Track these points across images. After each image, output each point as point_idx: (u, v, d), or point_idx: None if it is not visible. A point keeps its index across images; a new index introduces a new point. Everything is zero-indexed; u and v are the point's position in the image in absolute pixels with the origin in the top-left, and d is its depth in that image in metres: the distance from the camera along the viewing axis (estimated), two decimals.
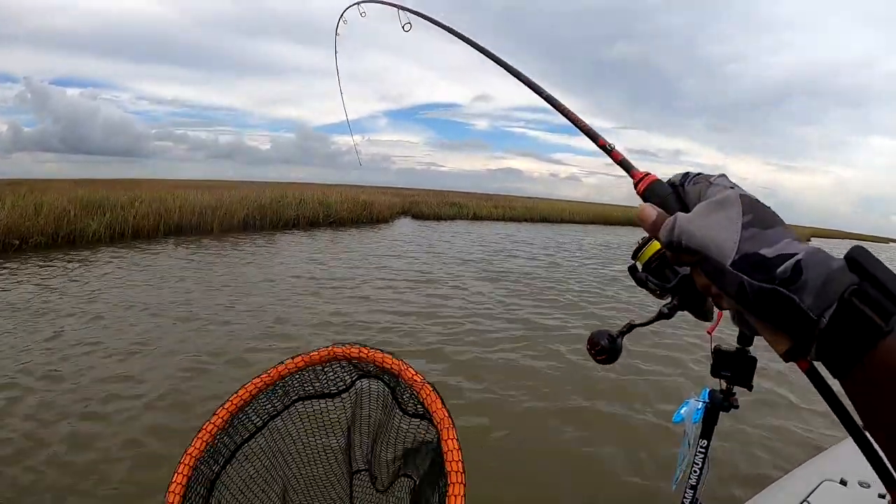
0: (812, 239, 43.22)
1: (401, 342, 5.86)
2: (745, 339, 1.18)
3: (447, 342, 5.93)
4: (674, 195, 0.50)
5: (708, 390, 1.25)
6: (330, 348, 0.87)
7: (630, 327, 0.59)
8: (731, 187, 0.44)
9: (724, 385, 1.23)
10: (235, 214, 16.13)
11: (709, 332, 1.17)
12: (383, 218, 22.38)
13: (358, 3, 1.42)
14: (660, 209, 0.48)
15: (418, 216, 26.39)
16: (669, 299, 0.55)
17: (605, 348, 0.57)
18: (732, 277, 0.38)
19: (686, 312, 0.55)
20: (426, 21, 1.09)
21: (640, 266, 0.57)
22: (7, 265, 9.39)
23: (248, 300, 7.58)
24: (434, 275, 10.38)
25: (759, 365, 1.18)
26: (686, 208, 0.47)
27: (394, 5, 1.23)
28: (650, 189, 0.52)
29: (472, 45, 0.94)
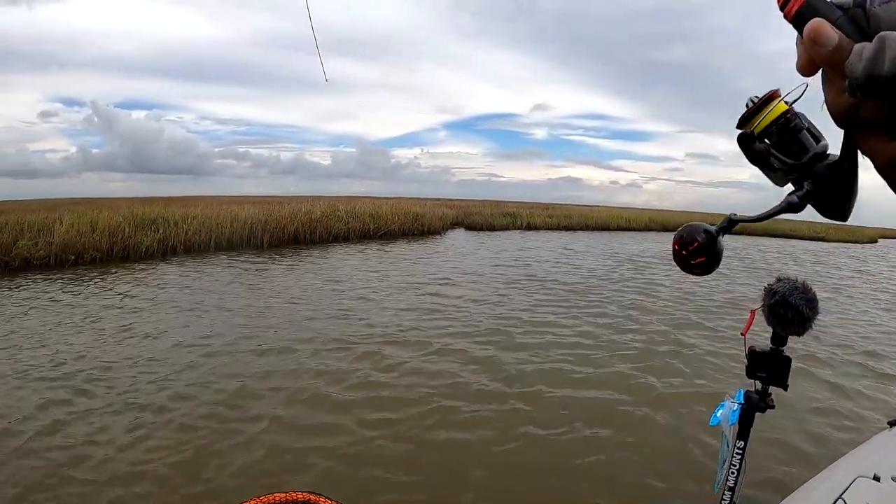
0: (879, 240, 39.18)
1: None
2: (779, 340, 1.17)
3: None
4: (846, 19, 0.33)
5: (743, 391, 1.22)
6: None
7: (731, 222, 0.47)
8: None
9: (759, 386, 1.22)
10: (285, 229, 15.88)
11: (742, 334, 1.20)
12: (435, 230, 21.64)
13: None
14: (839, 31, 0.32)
15: (471, 227, 25.59)
16: (797, 185, 0.43)
17: (702, 246, 0.47)
18: None
19: None
20: None
21: (755, 133, 0.45)
22: (61, 277, 10.05)
23: (290, 307, 7.53)
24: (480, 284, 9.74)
25: (793, 364, 1.18)
26: (869, 38, 0.31)
27: None
28: (808, 6, 0.34)
29: None
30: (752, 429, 1.21)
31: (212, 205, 18.86)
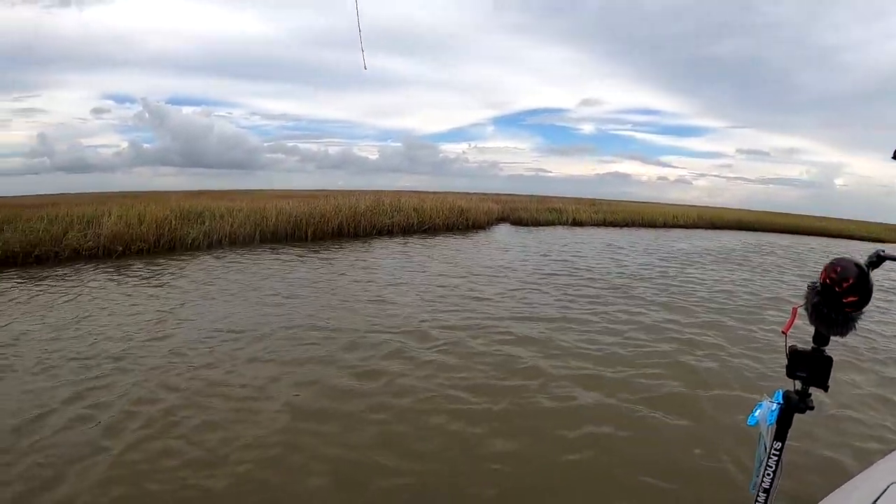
0: None
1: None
2: (821, 339, 1.12)
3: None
4: None
5: (782, 392, 1.19)
6: None
7: (880, 258, 0.48)
8: None
9: (798, 386, 1.18)
10: (329, 222, 15.49)
11: (784, 332, 1.17)
12: (480, 224, 20.91)
13: None
14: None
15: (517, 222, 24.86)
16: None
17: (855, 285, 0.46)
18: None
19: None
20: None
21: None
22: (109, 266, 10.32)
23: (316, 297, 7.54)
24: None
25: (834, 365, 1.14)
26: None
27: None
28: None
29: None
30: (789, 430, 1.16)
31: (259, 198, 18.94)
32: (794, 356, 1.16)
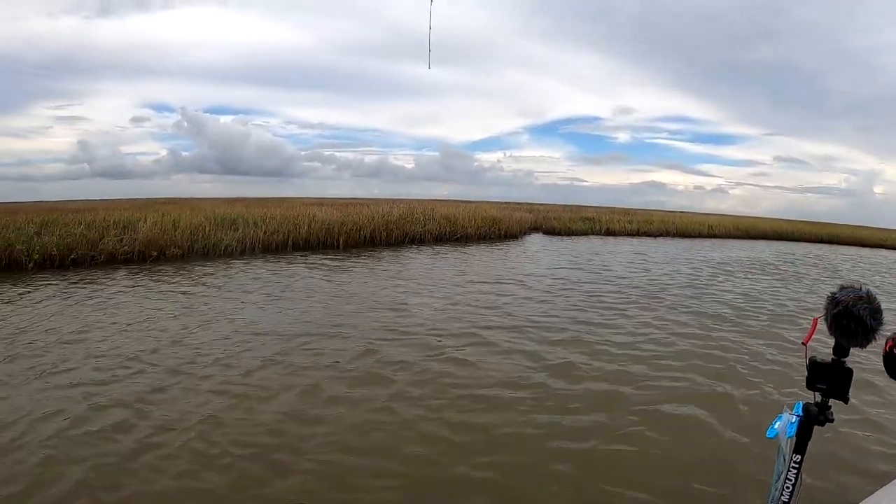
0: None
1: None
2: (841, 350, 1.11)
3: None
4: None
5: (802, 404, 1.16)
6: None
7: None
8: None
9: (818, 398, 1.16)
10: (361, 230, 15.22)
11: (804, 343, 1.16)
12: (512, 234, 20.39)
13: None
14: None
15: (549, 232, 24.30)
16: None
17: None
18: None
19: None
20: None
21: None
22: (143, 270, 10.34)
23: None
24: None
25: (854, 377, 1.12)
26: None
27: None
28: None
29: None
30: (809, 442, 1.13)
31: (293, 206, 18.95)
32: (814, 368, 1.13)
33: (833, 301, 1.07)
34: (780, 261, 17.31)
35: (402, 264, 12.24)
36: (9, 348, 5.32)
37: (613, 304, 8.31)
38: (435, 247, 16.00)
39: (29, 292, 8.24)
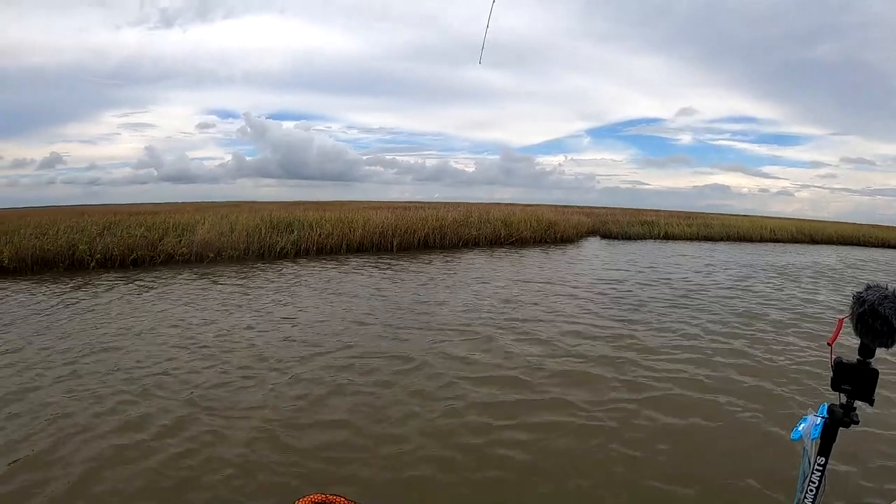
0: None
1: None
2: (867, 351, 1.08)
3: None
4: None
5: (827, 405, 1.13)
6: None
7: None
8: None
9: (843, 399, 1.11)
10: (416, 233, 14.69)
11: (829, 344, 1.12)
12: (569, 237, 19.42)
13: None
14: None
15: (606, 235, 23.23)
16: None
17: None
18: None
19: None
20: None
21: None
22: (199, 271, 10.31)
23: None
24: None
25: (880, 378, 1.07)
26: None
27: None
28: None
29: None
30: (834, 444, 1.10)
31: (351, 209, 18.84)
32: (839, 369, 1.09)
33: (859, 300, 1.03)
34: (843, 266, 15.98)
35: (452, 268, 11.62)
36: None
37: (647, 304, 8.02)
38: (490, 250, 15.32)
39: (99, 291, 8.35)
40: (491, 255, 14.25)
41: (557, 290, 9.16)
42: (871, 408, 1.12)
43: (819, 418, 1.14)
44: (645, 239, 23.83)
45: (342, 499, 0.96)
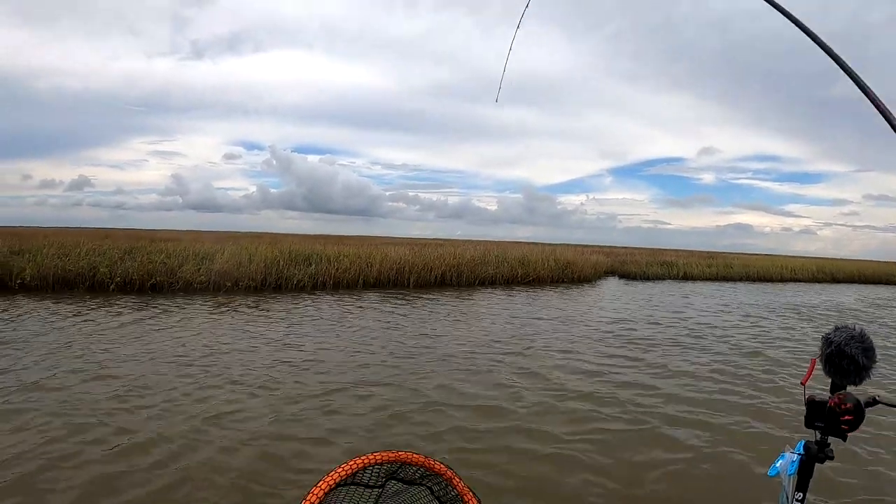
0: None
1: None
2: (837, 389, 1.13)
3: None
4: None
5: (803, 442, 1.17)
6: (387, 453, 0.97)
7: (874, 401, 0.64)
8: None
9: (818, 436, 1.16)
10: (432, 271, 14.57)
11: (803, 383, 1.18)
12: (586, 277, 19.14)
13: None
14: None
15: (625, 275, 22.93)
16: None
17: (851, 412, 0.61)
18: None
19: None
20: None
21: None
22: (216, 300, 10.43)
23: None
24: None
25: None
26: None
27: None
28: None
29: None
30: (811, 480, 1.16)
31: (370, 244, 18.79)
32: (812, 407, 1.14)
33: (827, 341, 1.10)
34: (862, 307, 15.64)
35: (467, 306, 11.16)
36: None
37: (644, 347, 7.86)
38: (506, 289, 15.07)
39: (119, 313, 8.51)
40: (507, 294, 14.08)
41: (564, 328, 9.09)
42: (844, 443, 1.15)
43: (795, 455, 1.18)
44: (664, 279, 23.57)
45: (418, 455, 0.96)
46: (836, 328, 1.12)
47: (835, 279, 29.74)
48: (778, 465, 1.18)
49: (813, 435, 1.17)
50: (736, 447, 3.98)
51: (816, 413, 1.13)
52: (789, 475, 1.18)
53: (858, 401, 0.60)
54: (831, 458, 1.15)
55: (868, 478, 3.57)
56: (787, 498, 1.19)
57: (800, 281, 28.52)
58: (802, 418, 1.17)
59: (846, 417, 0.58)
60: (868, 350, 1.06)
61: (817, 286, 26.01)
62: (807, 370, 1.18)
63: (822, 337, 1.12)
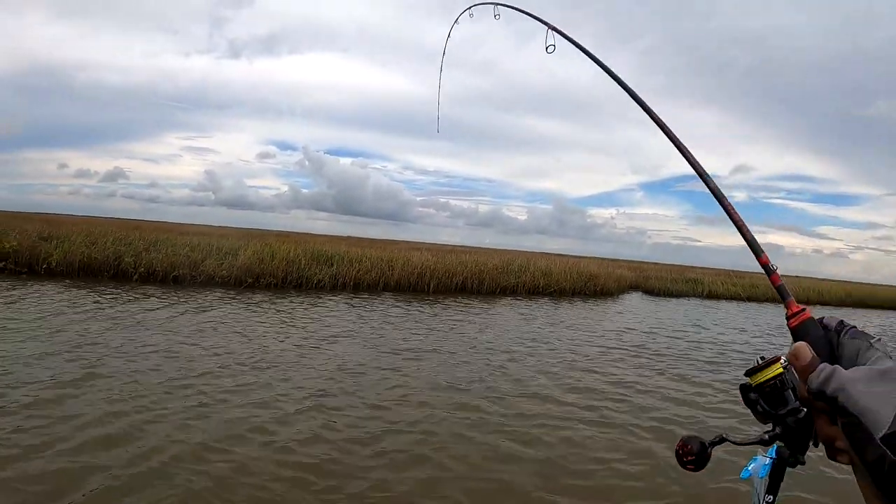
0: None
1: None
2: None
3: None
4: (825, 339, 0.54)
5: (776, 446, 0.97)
6: None
7: (722, 440, 0.66)
8: (890, 356, 0.47)
9: None
10: (453, 277, 14.36)
11: None
12: (609, 291, 18.70)
13: (495, 4, 1.83)
14: (813, 352, 0.49)
15: (648, 291, 22.36)
16: (771, 427, 0.62)
17: (694, 454, 0.64)
18: (875, 448, 0.39)
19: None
20: (568, 42, 1.25)
21: (752, 385, 0.62)
22: (236, 294, 10.34)
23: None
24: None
25: None
26: (835, 359, 0.51)
27: (540, 20, 1.39)
28: (803, 326, 0.57)
29: (608, 73, 1.08)
30: (781, 483, 1.03)
31: (392, 248, 18.66)
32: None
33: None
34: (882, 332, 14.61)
35: (481, 316, 10.92)
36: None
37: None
38: (527, 300, 14.75)
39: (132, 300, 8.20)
40: (528, 303, 13.79)
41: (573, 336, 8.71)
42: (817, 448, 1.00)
43: (768, 458, 1.09)
44: (688, 297, 22.89)
45: None
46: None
47: (864, 304, 28.75)
48: (750, 468, 1.10)
49: None
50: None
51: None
52: (760, 478, 1.09)
53: (703, 445, 0.63)
54: (803, 464, 1.03)
55: (837, 483, 3.66)
56: (759, 500, 1.10)
57: (827, 304, 27.63)
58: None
59: (689, 458, 0.61)
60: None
61: (844, 311, 24.90)
62: None
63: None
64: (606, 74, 1.08)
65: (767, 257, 0.72)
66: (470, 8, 2.41)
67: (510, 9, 1.81)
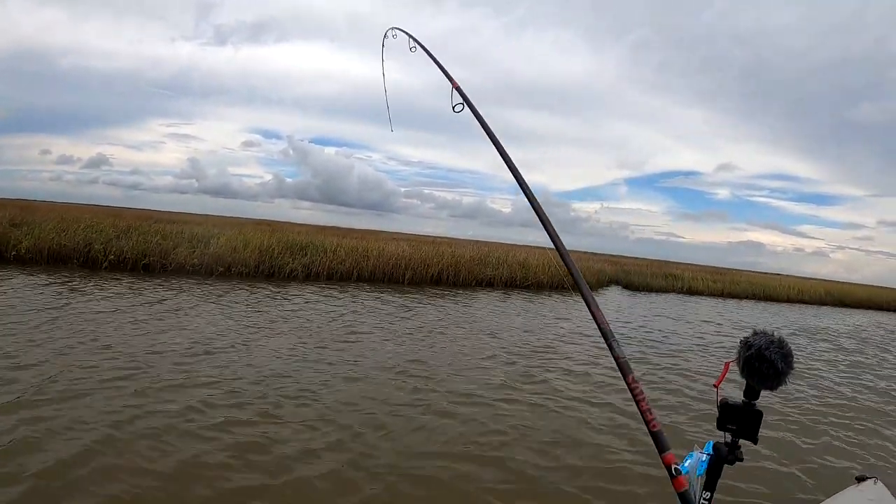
0: None
1: None
2: (752, 393, 1.15)
3: None
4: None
5: (712, 443, 1.20)
6: None
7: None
8: None
9: (728, 438, 1.18)
10: (429, 268, 14.42)
11: (715, 386, 1.20)
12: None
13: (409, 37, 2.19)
14: None
15: (628, 286, 22.60)
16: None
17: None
18: None
19: None
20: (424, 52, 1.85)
21: None
22: (205, 283, 10.31)
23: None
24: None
25: (764, 418, 1.14)
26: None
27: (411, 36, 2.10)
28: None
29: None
30: (719, 480, 1.18)
31: (370, 238, 18.61)
32: (725, 409, 1.16)
33: (746, 345, 1.11)
34: (868, 334, 14.86)
35: (463, 306, 11.08)
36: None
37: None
38: (504, 292, 14.89)
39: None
40: (503, 297, 13.89)
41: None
42: (755, 446, 1.17)
43: (704, 455, 1.18)
44: (667, 292, 23.09)
45: None
46: (755, 332, 1.13)
47: (843, 303, 29.13)
48: (687, 464, 1.19)
49: (723, 437, 1.18)
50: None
51: (729, 415, 1.15)
52: (698, 475, 1.19)
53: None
54: (741, 461, 1.17)
55: (774, 478, 3.76)
56: (695, 496, 1.18)
57: (807, 303, 28.06)
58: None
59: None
60: (787, 356, 1.08)
61: (824, 309, 25.60)
62: (720, 373, 1.19)
63: (741, 340, 1.13)
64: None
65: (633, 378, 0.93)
66: (389, 31, 2.57)
67: (422, 50, 1.99)
